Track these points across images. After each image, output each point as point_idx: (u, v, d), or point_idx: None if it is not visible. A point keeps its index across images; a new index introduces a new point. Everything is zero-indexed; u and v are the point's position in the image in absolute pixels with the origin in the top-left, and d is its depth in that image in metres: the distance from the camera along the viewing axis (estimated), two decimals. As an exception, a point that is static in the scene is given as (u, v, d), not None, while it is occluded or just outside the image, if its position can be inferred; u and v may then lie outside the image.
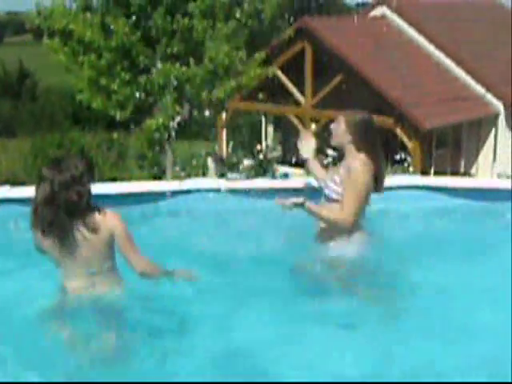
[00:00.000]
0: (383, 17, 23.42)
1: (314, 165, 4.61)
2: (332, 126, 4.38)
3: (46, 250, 3.70)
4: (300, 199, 4.21)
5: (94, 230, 3.62)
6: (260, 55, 14.80)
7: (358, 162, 4.19)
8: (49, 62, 14.84)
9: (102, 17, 14.04)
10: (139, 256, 3.77)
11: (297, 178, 7.66)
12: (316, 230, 4.45)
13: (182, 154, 19.36)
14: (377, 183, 4.33)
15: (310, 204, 4.22)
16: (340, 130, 4.31)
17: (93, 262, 3.69)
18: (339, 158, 4.41)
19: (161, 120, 14.01)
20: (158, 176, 17.86)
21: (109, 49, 13.76)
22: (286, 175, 15.30)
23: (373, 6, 24.17)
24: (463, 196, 5.84)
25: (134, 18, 13.89)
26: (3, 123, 34.33)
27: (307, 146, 4.54)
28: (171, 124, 14.70)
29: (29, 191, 4.09)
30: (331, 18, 29.46)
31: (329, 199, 4.35)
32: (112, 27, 13.69)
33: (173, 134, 15.10)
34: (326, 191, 4.34)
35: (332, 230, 4.30)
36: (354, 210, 4.18)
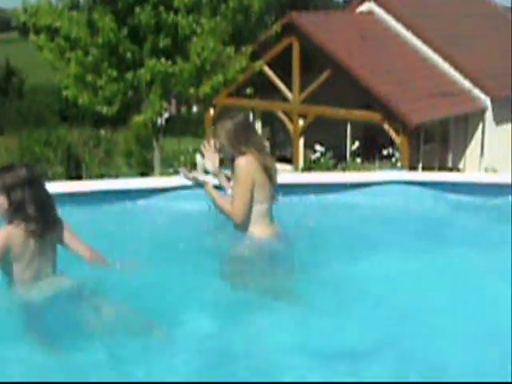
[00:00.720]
0: (370, 12, 23.46)
1: (220, 177, 4.74)
2: (216, 142, 4.58)
3: (22, 252, 3.64)
4: (202, 177, 4.49)
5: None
6: (247, 49, 14.77)
7: (239, 161, 4.34)
8: (35, 59, 14.78)
9: (88, 14, 13.98)
10: (85, 246, 3.87)
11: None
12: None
13: (170, 151, 19.33)
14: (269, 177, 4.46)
15: (210, 187, 4.51)
16: (221, 141, 4.47)
17: (52, 261, 3.78)
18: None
19: (148, 116, 13.98)
20: (146, 173, 17.84)
21: (95, 45, 13.71)
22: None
23: (360, 2, 24.18)
24: (451, 190, 5.85)
25: (120, 14, 13.84)
26: (-10, 121, 34.15)
27: (212, 159, 4.66)
28: (159, 120, 14.66)
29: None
30: (318, 13, 29.45)
31: None
32: (99, 24, 13.64)
33: (161, 130, 15.09)
34: (228, 199, 4.49)
35: (238, 226, 4.44)
36: (240, 205, 4.33)
